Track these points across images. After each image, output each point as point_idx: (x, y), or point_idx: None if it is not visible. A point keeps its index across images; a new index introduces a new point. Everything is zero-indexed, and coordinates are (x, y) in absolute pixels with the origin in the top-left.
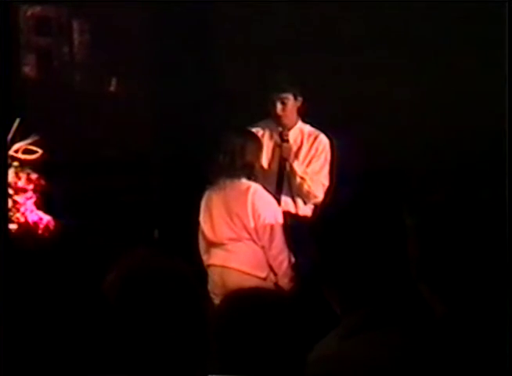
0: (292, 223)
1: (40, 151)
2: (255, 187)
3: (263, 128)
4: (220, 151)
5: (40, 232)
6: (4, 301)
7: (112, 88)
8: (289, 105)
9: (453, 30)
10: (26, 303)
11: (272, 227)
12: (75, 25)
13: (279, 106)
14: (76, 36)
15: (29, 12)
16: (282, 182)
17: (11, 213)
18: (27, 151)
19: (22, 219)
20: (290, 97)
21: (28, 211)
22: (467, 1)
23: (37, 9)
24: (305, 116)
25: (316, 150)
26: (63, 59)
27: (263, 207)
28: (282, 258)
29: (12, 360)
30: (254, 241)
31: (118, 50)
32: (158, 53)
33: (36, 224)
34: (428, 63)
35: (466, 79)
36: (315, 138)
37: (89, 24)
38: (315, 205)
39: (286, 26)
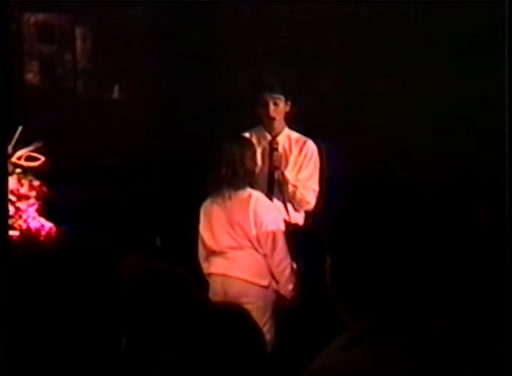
0: (292, 230)
1: (42, 158)
2: (257, 195)
3: (252, 135)
4: (220, 162)
5: (42, 239)
6: (5, 307)
7: (114, 96)
8: (280, 106)
9: (452, 30)
10: (27, 309)
11: (274, 234)
12: (77, 32)
13: (271, 106)
14: (78, 43)
15: (31, 20)
16: (272, 189)
17: (13, 220)
18: (29, 158)
19: (24, 226)
20: (282, 98)
21: (30, 217)
22: (467, 2)
23: (40, 16)
24: (292, 122)
25: (305, 156)
26: (65, 66)
27: (265, 214)
28: (284, 265)
29: (13, 366)
30: (255, 249)
31: (120, 58)
32: (160, 60)
33: (38, 231)
34: (424, 65)
35: (465, 79)
36: (304, 143)
37: (91, 31)
38: (307, 212)
39: (277, 32)
